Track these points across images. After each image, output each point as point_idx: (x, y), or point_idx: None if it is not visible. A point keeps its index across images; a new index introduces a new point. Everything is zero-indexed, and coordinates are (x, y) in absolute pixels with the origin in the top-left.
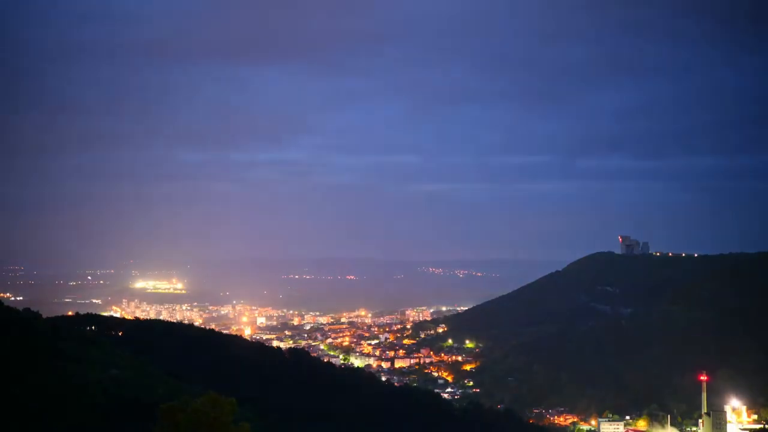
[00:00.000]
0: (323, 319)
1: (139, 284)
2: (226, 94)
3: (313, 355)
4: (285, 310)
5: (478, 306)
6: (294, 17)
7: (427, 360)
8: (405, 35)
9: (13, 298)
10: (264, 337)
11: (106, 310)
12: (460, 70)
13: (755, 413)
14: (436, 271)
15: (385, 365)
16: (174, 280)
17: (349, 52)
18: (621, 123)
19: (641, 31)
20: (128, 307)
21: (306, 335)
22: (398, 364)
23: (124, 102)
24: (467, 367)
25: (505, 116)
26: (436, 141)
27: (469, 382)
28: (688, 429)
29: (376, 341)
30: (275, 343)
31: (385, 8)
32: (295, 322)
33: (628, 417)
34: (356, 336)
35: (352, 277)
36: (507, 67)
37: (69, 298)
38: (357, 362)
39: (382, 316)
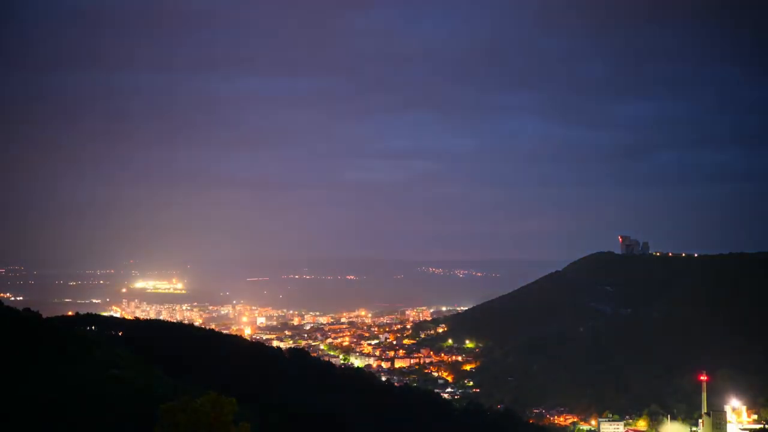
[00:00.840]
0: (323, 319)
1: (139, 284)
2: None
3: (313, 355)
4: (285, 310)
5: (478, 306)
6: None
7: (427, 360)
8: (436, 56)
9: (13, 298)
10: (264, 337)
11: (106, 310)
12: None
13: (755, 413)
14: (436, 271)
15: (385, 365)
16: (174, 280)
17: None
18: (626, 132)
19: (656, 52)
20: (128, 307)
21: (306, 335)
22: (398, 364)
23: (135, 107)
24: (467, 367)
25: (520, 126)
26: (441, 146)
27: (469, 382)
28: (688, 429)
29: (376, 341)
30: (275, 343)
31: (418, 32)
32: (295, 322)
33: (628, 417)
34: (356, 336)
35: (352, 277)
36: (521, 82)
37: (69, 298)
38: (357, 362)
39: (382, 316)
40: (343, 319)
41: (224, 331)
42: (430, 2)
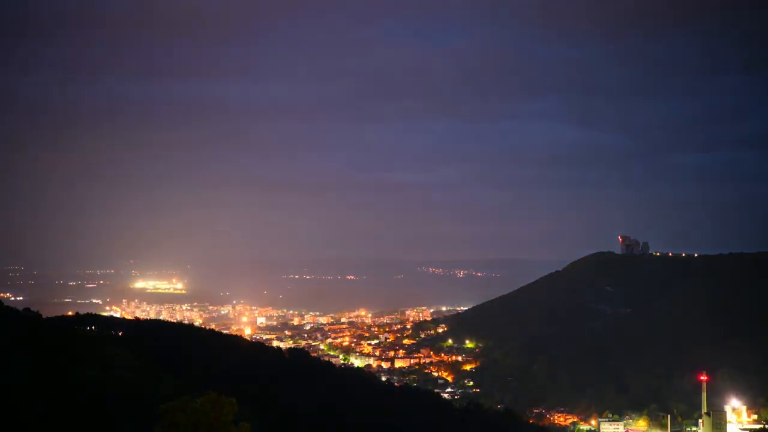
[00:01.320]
0: (323, 319)
1: (139, 284)
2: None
3: (313, 355)
4: (285, 310)
5: (478, 306)
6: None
7: (427, 360)
8: (455, 67)
9: (13, 298)
10: (264, 337)
11: (106, 310)
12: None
13: (755, 413)
14: (436, 271)
15: (385, 365)
16: (174, 280)
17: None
18: (628, 133)
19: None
20: (128, 307)
21: (306, 335)
22: (398, 364)
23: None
24: (467, 367)
25: (522, 129)
26: (446, 149)
27: (469, 382)
28: (688, 429)
29: (376, 341)
30: (275, 343)
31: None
32: (295, 322)
33: (628, 417)
34: (356, 336)
35: (352, 277)
36: (522, 86)
37: (69, 298)
38: (357, 362)
39: (382, 316)
40: (343, 319)
41: (224, 331)
42: (451, 13)
